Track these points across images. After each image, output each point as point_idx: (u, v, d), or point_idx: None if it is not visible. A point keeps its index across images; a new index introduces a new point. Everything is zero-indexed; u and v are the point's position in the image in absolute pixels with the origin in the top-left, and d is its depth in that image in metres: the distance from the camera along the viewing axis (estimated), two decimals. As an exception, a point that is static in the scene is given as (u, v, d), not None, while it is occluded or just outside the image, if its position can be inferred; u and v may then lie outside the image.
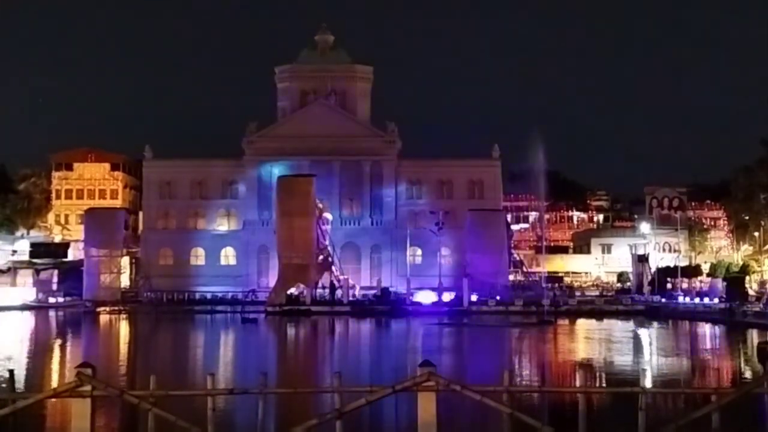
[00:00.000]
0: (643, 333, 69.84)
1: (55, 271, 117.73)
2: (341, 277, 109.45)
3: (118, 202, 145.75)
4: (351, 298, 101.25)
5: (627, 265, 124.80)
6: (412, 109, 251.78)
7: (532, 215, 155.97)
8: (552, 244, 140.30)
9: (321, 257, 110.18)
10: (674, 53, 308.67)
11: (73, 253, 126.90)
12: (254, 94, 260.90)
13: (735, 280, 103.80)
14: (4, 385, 21.84)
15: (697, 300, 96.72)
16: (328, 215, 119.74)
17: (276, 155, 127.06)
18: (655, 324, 78.59)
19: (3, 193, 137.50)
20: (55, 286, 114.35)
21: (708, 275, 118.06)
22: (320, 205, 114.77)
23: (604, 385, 36.08)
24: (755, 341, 53.72)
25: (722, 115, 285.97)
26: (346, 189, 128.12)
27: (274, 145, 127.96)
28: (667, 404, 26.95)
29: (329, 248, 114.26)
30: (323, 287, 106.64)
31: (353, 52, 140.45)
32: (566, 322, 78.84)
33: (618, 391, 26.10)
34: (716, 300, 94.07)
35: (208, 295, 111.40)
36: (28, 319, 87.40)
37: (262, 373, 21.98)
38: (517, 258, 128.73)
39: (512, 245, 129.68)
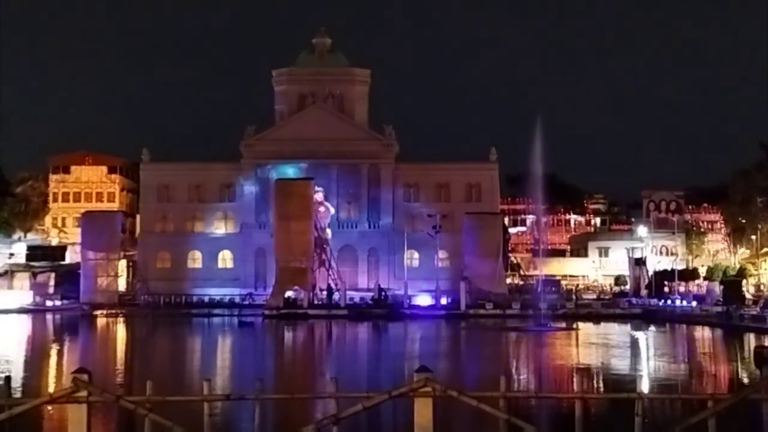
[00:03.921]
0: (641, 337, 69.83)
1: (52, 274, 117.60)
2: (339, 282, 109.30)
3: (115, 205, 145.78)
4: (348, 302, 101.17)
5: (624, 269, 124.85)
6: (409, 113, 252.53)
7: (530, 218, 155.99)
8: (549, 247, 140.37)
9: (318, 259, 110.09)
10: (672, 56, 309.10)
11: (71, 256, 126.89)
12: (252, 97, 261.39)
13: (732, 283, 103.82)
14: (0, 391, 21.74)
15: (694, 303, 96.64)
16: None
17: (274, 158, 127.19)
18: (653, 327, 78.56)
19: (0, 196, 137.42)
20: (52, 289, 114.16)
21: (705, 279, 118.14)
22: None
23: (601, 390, 36.08)
24: (752, 345, 53.70)
25: (720, 118, 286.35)
26: (344, 192, 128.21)
27: (272, 149, 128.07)
28: (665, 410, 26.96)
29: (327, 249, 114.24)
30: (321, 290, 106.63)
31: (351, 56, 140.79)
32: (563, 325, 78.73)
33: (615, 397, 26.08)
34: (713, 303, 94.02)
35: (206, 299, 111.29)
36: (25, 323, 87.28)
37: (259, 379, 21.96)
38: (515, 261, 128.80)
39: (509, 248, 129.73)
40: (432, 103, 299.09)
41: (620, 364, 49.05)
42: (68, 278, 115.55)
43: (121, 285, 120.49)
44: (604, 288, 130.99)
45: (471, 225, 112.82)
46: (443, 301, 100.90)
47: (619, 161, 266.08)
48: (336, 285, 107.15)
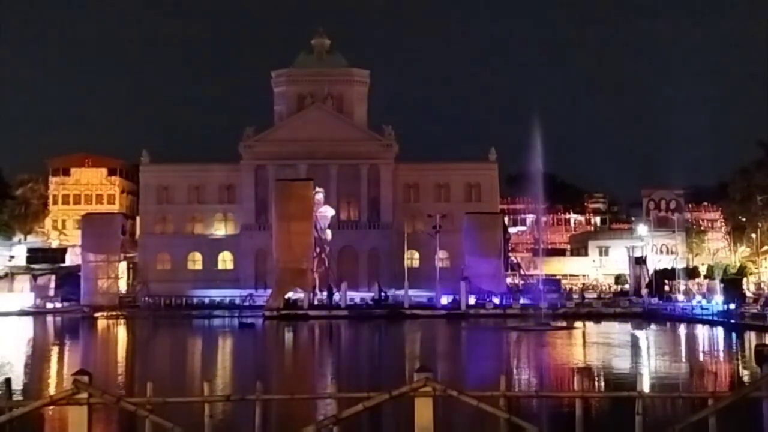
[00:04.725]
0: (641, 335, 69.82)
1: (53, 277, 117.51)
2: (339, 282, 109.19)
3: (115, 207, 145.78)
4: (349, 302, 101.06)
5: (624, 268, 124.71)
6: (409, 113, 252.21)
7: (530, 218, 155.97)
8: (549, 246, 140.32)
9: (318, 260, 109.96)
10: (671, 55, 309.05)
11: (71, 259, 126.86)
12: (251, 98, 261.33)
13: (732, 281, 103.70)
14: (0, 393, 21.75)
15: (694, 302, 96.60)
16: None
17: (273, 159, 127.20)
18: (653, 326, 78.54)
19: (0, 198, 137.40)
20: (52, 292, 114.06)
21: (705, 277, 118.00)
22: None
23: (602, 388, 36.07)
24: (753, 343, 53.71)
25: (720, 117, 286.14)
26: (344, 192, 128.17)
27: (272, 149, 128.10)
28: (665, 408, 26.96)
29: (327, 250, 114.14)
30: (321, 291, 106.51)
31: (350, 56, 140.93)
32: (564, 324, 78.72)
33: (615, 396, 26.08)
34: (714, 302, 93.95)
35: (206, 300, 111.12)
36: (25, 325, 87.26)
37: (259, 380, 21.96)
38: (515, 261, 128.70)
39: (510, 248, 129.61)
40: (432, 103, 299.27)
41: (621, 363, 49.04)
42: (69, 280, 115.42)
43: (122, 287, 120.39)
44: (604, 287, 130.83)
45: (471, 225, 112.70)
46: (444, 300, 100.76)
47: (619, 160, 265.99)
48: (336, 286, 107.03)
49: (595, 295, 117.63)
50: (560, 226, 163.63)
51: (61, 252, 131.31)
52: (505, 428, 20.24)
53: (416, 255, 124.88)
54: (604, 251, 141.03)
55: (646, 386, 35.89)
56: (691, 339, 68.09)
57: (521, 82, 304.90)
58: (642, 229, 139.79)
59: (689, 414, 21.22)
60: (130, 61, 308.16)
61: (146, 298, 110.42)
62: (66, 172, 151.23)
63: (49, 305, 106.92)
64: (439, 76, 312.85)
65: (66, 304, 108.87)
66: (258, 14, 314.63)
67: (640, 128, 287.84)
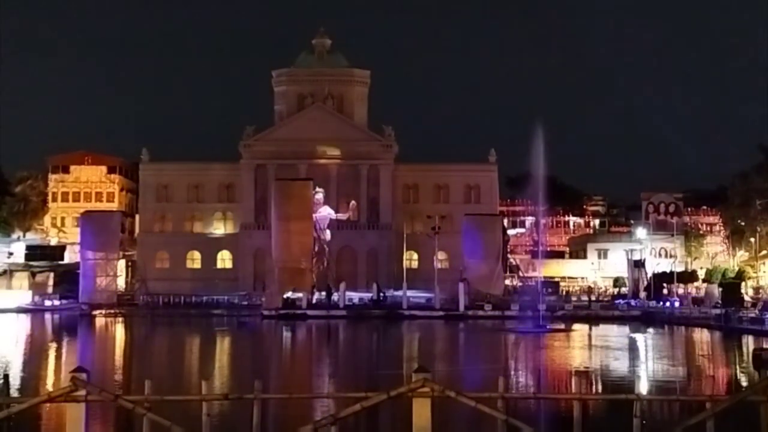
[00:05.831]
0: (639, 339, 69.84)
1: (51, 274, 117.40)
2: (340, 284, 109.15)
3: (114, 205, 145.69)
4: (347, 302, 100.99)
5: (623, 271, 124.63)
6: (409, 114, 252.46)
7: (529, 220, 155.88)
8: (548, 248, 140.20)
9: (317, 260, 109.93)
10: (671, 57, 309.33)
11: (70, 256, 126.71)
12: (252, 97, 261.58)
13: (731, 285, 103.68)
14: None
15: (693, 306, 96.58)
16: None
17: (273, 159, 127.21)
18: (651, 330, 78.54)
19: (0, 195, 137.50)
20: (50, 289, 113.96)
21: (704, 281, 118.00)
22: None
23: (600, 391, 36.07)
24: (751, 347, 53.73)
25: (719, 120, 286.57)
26: (344, 193, 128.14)
27: (272, 149, 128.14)
28: (663, 411, 26.97)
29: (326, 250, 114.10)
30: (319, 291, 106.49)
31: (351, 56, 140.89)
32: (562, 327, 78.70)
33: (613, 398, 26.08)
34: (712, 306, 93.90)
35: (204, 299, 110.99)
36: (23, 322, 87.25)
37: (257, 379, 21.94)
38: (514, 263, 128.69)
39: (508, 250, 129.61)
40: (432, 103, 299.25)
41: (619, 365, 49.03)
42: (67, 278, 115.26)
43: (120, 285, 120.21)
44: (602, 290, 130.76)
45: (470, 226, 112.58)
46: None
47: (619, 163, 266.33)
48: (335, 286, 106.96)
49: (593, 298, 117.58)
50: (559, 229, 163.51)
51: (60, 249, 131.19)
52: (503, 429, 20.23)
53: (415, 256, 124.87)
54: (602, 254, 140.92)
55: (644, 389, 35.91)
56: (689, 342, 68.11)
57: (521, 83, 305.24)
58: (641, 232, 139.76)
59: (687, 417, 21.20)
60: (131, 60, 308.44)
61: (145, 297, 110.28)
62: (65, 170, 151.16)
63: (48, 303, 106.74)
64: (439, 76, 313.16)
65: (64, 301, 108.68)
66: (258, 14, 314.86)
67: (641, 130, 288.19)
